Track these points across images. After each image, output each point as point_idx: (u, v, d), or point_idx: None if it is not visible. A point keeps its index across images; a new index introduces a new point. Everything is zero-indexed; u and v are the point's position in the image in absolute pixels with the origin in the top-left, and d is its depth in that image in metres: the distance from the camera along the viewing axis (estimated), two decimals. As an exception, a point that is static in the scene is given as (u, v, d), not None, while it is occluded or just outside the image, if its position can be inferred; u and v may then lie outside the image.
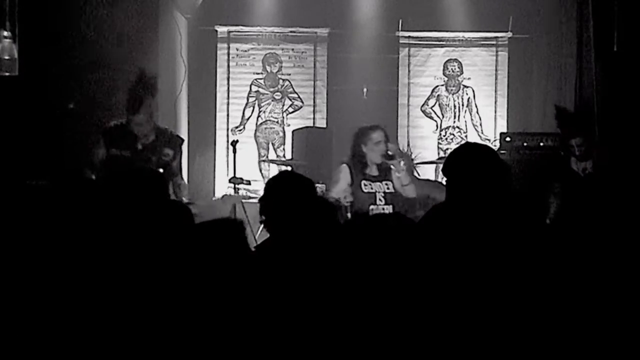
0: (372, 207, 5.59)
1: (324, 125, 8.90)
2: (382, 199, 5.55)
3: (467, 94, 9.04)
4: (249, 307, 2.68)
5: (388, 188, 5.55)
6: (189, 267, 2.73)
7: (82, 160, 6.21)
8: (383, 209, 5.49)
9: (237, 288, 2.71)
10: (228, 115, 8.98)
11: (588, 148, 5.80)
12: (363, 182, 5.61)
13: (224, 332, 2.62)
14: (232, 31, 8.97)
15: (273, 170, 8.81)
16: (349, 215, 5.55)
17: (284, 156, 8.78)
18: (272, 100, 9.01)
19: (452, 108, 9.04)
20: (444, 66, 9.06)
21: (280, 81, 9.02)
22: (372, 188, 5.61)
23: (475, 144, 3.60)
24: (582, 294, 2.99)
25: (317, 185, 4.87)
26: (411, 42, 9.05)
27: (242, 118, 9.00)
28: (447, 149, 8.77)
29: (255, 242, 6.18)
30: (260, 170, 8.91)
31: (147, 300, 2.67)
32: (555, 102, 7.53)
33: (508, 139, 6.82)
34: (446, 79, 9.06)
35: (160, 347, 2.58)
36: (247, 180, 7.72)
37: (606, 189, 5.09)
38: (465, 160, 3.18)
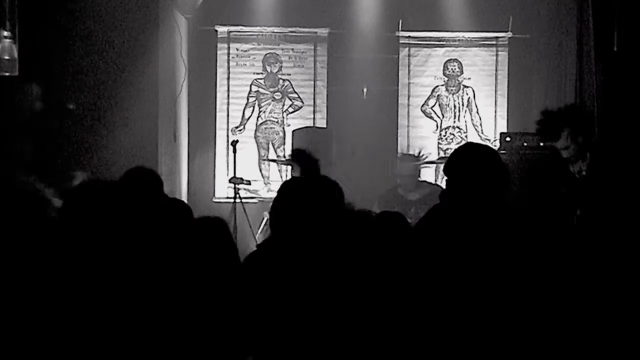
0: None
1: (324, 125, 8.90)
2: None
3: (467, 94, 9.04)
4: (241, 303, 2.68)
5: None
6: (183, 264, 2.74)
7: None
8: None
9: (224, 285, 2.71)
10: (228, 115, 8.97)
11: (579, 149, 5.21)
12: None
13: (212, 328, 2.62)
14: (232, 31, 8.96)
15: (273, 170, 8.81)
16: None
17: (284, 156, 8.78)
18: (272, 100, 9.01)
19: (452, 108, 9.04)
20: (444, 66, 9.05)
21: (280, 81, 9.01)
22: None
23: (477, 144, 3.60)
24: (581, 295, 2.99)
25: None
26: (411, 42, 9.04)
27: (242, 118, 9.00)
28: (447, 149, 8.77)
29: (255, 242, 6.18)
30: (260, 170, 8.91)
31: (143, 298, 2.67)
32: (555, 102, 7.54)
33: (508, 139, 6.81)
34: (446, 79, 9.06)
35: (153, 344, 2.58)
36: (247, 180, 7.73)
37: (604, 189, 5.08)
38: (466, 161, 3.18)
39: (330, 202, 3.05)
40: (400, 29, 8.94)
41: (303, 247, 2.91)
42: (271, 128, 8.99)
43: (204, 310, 2.69)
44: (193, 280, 2.74)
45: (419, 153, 8.19)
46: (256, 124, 9.01)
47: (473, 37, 8.99)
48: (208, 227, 2.91)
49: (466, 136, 8.96)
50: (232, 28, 8.94)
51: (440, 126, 9.04)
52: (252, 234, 7.34)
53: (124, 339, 2.58)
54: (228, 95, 8.97)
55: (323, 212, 3.01)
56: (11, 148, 5.71)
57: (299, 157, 4.98)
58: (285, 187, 3.17)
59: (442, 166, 4.88)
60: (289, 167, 8.19)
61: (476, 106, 9.03)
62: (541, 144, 6.67)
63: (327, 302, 2.71)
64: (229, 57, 8.96)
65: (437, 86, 9.06)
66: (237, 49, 8.97)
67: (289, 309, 2.71)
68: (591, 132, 5.42)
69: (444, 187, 7.46)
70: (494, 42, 9.01)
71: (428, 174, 8.56)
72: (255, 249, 3.12)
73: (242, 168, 8.03)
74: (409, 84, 9.04)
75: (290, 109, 9.02)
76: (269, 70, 8.99)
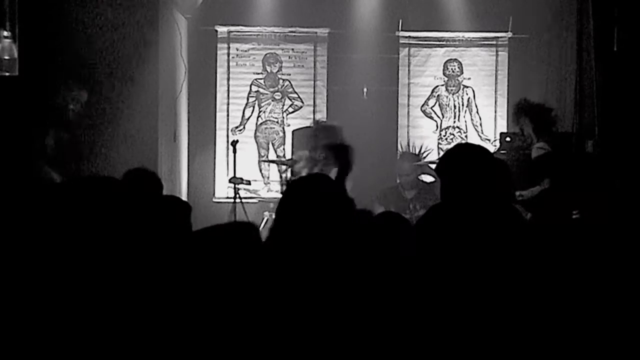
0: None
1: (324, 125, 8.90)
2: None
3: (467, 94, 9.04)
4: (265, 308, 2.68)
5: None
6: (191, 265, 2.73)
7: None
8: None
9: (253, 290, 2.71)
10: (228, 115, 8.98)
11: (532, 129, 6.35)
12: None
13: (236, 333, 2.62)
14: (232, 31, 8.97)
15: (273, 170, 8.81)
16: None
17: (284, 156, 8.78)
18: (272, 100, 9.01)
19: (452, 108, 9.04)
20: (444, 66, 9.06)
21: (280, 81, 9.02)
22: None
23: (469, 144, 3.62)
24: (579, 294, 2.99)
25: None
26: (411, 42, 9.04)
27: (242, 118, 9.00)
28: (447, 149, 8.76)
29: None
30: (260, 170, 8.91)
31: (147, 301, 2.67)
32: (555, 102, 7.54)
33: (508, 139, 6.82)
34: (446, 79, 9.06)
35: (165, 347, 2.58)
36: (247, 180, 7.73)
37: (605, 189, 5.09)
38: (458, 161, 3.19)
39: (335, 202, 3.06)
40: (400, 29, 8.94)
41: (308, 246, 2.91)
42: (271, 128, 8.99)
43: (220, 314, 2.68)
44: (211, 283, 2.73)
45: (420, 151, 8.21)
46: (256, 124, 9.02)
47: (473, 37, 8.99)
48: (241, 232, 2.89)
49: (466, 136, 8.97)
50: (232, 28, 8.95)
51: (440, 126, 9.05)
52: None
53: (124, 340, 2.59)
54: (228, 95, 8.97)
55: (329, 211, 3.01)
56: (36, 142, 5.80)
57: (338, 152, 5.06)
58: (291, 187, 3.18)
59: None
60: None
61: (476, 106, 9.03)
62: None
63: (331, 301, 2.71)
64: (229, 57, 8.96)
65: (437, 86, 9.06)
66: (237, 49, 8.97)
67: (292, 306, 2.72)
68: (545, 128, 6.34)
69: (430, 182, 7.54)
70: (494, 42, 9.01)
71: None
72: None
73: (242, 168, 8.03)
74: (409, 84, 9.04)
75: (290, 109, 9.02)
76: (269, 70, 9.00)
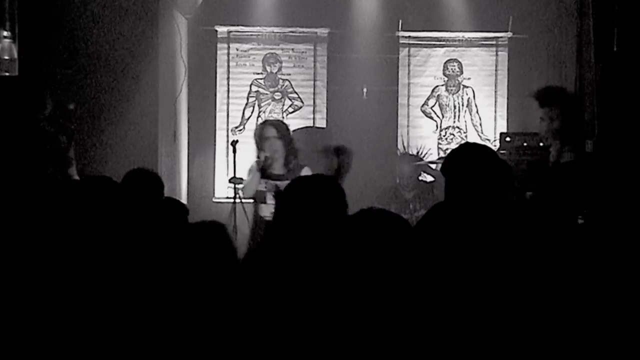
0: (261, 205, 5.74)
1: (324, 125, 8.90)
2: (273, 197, 5.55)
3: (467, 94, 9.04)
4: (243, 307, 2.68)
5: None
6: (180, 265, 2.74)
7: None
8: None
9: (224, 289, 2.71)
10: (228, 115, 8.97)
11: (559, 126, 5.74)
12: (263, 180, 5.94)
13: (214, 332, 2.62)
14: (232, 31, 8.97)
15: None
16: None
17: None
18: (272, 100, 9.01)
19: (452, 108, 9.04)
20: (444, 66, 9.05)
21: (280, 81, 9.01)
22: (265, 187, 5.90)
23: (474, 144, 3.61)
24: (580, 293, 2.99)
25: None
26: (411, 42, 9.04)
27: (242, 118, 9.00)
28: (447, 149, 8.76)
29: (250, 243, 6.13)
30: (260, 170, 8.90)
31: (143, 299, 2.67)
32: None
33: (508, 139, 6.80)
34: (446, 79, 9.06)
35: (154, 345, 2.58)
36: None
37: (605, 190, 5.08)
38: (464, 160, 3.19)
39: (333, 202, 3.06)
40: (400, 29, 8.94)
41: (306, 247, 2.91)
42: (271, 128, 8.98)
43: (201, 312, 2.68)
44: (189, 282, 2.73)
45: (419, 152, 8.22)
46: (256, 124, 9.01)
47: (473, 37, 8.99)
48: (206, 231, 2.90)
49: (466, 136, 8.96)
50: (232, 28, 8.95)
51: (440, 126, 9.05)
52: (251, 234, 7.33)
53: (119, 339, 2.59)
54: (228, 95, 8.97)
55: (327, 212, 3.01)
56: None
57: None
58: (290, 188, 3.18)
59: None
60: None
61: (476, 106, 9.03)
62: (541, 144, 6.68)
63: (329, 301, 2.71)
64: (229, 57, 8.96)
65: (437, 86, 9.06)
66: (237, 49, 8.97)
67: (290, 308, 2.71)
68: (574, 123, 5.87)
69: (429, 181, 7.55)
70: (494, 42, 9.01)
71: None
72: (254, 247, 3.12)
73: (242, 168, 8.03)
74: (408, 84, 9.04)
75: (290, 109, 9.02)
76: (268, 70, 8.99)
